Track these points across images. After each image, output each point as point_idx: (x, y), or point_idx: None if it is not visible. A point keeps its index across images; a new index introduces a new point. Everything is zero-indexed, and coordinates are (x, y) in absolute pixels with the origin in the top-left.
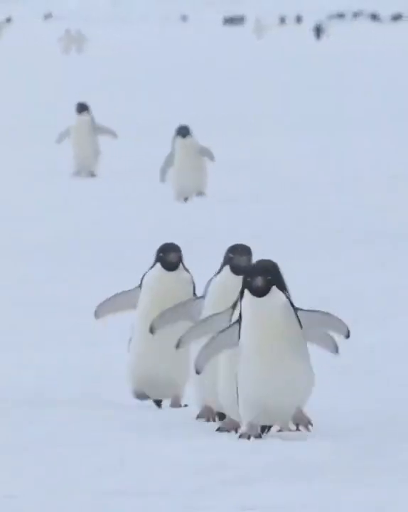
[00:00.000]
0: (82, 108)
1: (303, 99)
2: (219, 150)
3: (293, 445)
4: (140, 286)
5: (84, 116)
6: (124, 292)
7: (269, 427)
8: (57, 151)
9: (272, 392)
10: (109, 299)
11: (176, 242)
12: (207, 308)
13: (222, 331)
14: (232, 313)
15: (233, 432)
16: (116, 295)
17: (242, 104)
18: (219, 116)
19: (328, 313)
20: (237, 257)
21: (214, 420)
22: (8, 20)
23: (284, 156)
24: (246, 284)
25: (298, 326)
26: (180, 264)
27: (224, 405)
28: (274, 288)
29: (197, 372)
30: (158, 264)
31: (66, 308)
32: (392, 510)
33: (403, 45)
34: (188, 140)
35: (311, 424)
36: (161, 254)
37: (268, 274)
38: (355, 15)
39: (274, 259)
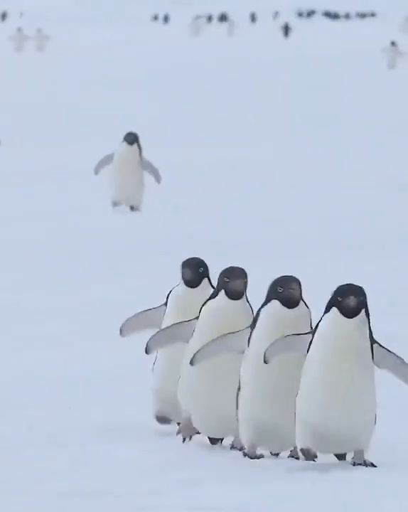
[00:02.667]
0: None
1: (268, 98)
2: (192, 152)
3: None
4: (165, 304)
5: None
6: (150, 310)
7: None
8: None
9: (335, 417)
10: (135, 316)
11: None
12: (202, 334)
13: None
14: (250, 333)
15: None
16: (143, 313)
17: (210, 104)
18: (193, 116)
19: (403, 361)
20: (232, 281)
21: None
22: None
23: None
24: (335, 303)
25: (371, 358)
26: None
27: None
28: (363, 312)
29: (266, 362)
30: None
31: (31, 314)
32: (346, 511)
33: (366, 43)
34: (133, 148)
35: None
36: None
37: (361, 296)
38: (311, 13)
39: (247, 266)
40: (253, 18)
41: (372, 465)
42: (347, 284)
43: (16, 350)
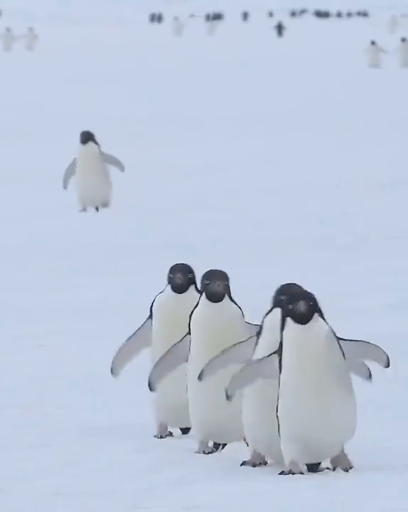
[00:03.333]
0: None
1: (252, 98)
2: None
3: (235, 446)
4: (150, 316)
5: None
6: (133, 336)
7: (318, 465)
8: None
9: (316, 426)
10: (120, 350)
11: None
12: (197, 344)
13: (261, 359)
14: (256, 342)
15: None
16: (127, 343)
17: (188, 103)
18: (172, 115)
19: (367, 343)
20: (211, 283)
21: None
22: None
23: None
24: (287, 312)
25: (342, 356)
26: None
27: (250, 439)
28: (316, 315)
29: (228, 398)
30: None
31: (20, 315)
32: (333, 509)
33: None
34: (88, 147)
35: (352, 467)
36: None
37: (310, 300)
38: (302, 12)
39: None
40: (245, 16)
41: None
42: (293, 288)
43: (6, 351)
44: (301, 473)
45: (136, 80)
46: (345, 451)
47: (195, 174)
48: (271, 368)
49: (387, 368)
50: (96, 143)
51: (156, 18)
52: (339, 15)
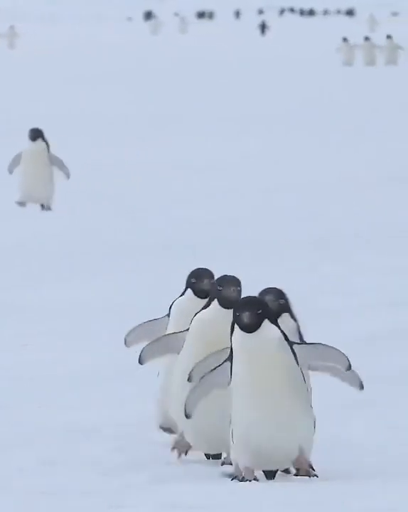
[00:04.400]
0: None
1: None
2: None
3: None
4: (168, 315)
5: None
6: (153, 321)
7: (275, 472)
8: None
9: (266, 434)
10: (139, 326)
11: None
12: (191, 345)
13: (213, 370)
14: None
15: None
16: (147, 323)
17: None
18: (156, 114)
19: (326, 346)
20: (225, 289)
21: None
22: None
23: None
24: (235, 319)
25: (294, 362)
26: None
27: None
28: (266, 322)
29: (187, 417)
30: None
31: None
32: (313, 510)
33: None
34: (36, 144)
35: (313, 470)
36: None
37: (258, 309)
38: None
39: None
40: (238, 15)
41: (315, 476)
42: (244, 298)
43: None
44: (256, 479)
45: (117, 79)
46: (309, 457)
47: (195, 174)
48: (224, 377)
49: (348, 371)
50: (45, 141)
51: (147, 15)
52: (325, 13)
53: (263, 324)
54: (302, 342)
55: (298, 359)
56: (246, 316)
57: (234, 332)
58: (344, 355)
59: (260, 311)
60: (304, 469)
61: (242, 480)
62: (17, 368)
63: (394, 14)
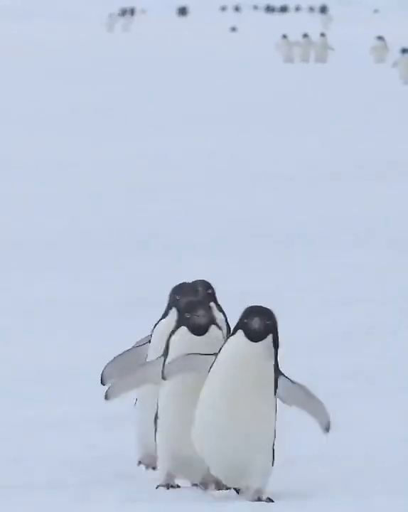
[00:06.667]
0: None
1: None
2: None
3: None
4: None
5: None
6: (131, 350)
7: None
8: None
9: (226, 448)
10: (113, 363)
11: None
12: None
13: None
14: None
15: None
16: (122, 356)
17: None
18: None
19: (310, 395)
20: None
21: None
22: None
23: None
24: (242, 325)
25: (273, 389)
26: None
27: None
28: (270, 337)
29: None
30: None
31: None
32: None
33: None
34: None
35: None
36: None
37: (268, 319)
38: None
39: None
40: (182, 11)
41: (270, 500)
42: (254, 306)
43: None
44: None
45: (73, 75)
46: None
47: (135, 167)
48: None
49: (327, 432)
50: None
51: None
52: (297, 9)
53: (267, 338)
54: (288, 378)
55: (280, 393)
56: (255, 323)
57: (233, 336)
58: (327, 413)
59: (269, 322)
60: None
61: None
62: None
63: (376, 11)
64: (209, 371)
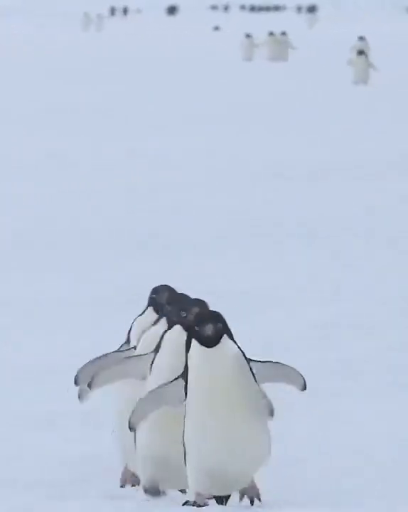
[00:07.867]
0: None
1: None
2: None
3: None
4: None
5: None
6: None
7: (227, 498)
8: None
9: (225, 456)
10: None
11: None
12: None
13: (166, 385)
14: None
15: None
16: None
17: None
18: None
19: (281, 364)
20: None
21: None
22: None
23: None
24: (193, 334)
25: (253, 379)
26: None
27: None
28: (225, 337)
29: (131, 429)
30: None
31: None
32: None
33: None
34: None
35: (259, 499)
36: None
37: (218, 322)
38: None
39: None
40: (172, 10)
41: (255, 500)
42: (200, 312)
43: None
44: (206, 505)
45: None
46: (255, 480)
47: (117, 166)
48: (176, 393)
49: (304, 391)
50: None
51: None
52: (278, 8)
53: (222, 339)
54: (258, 360)
55: (256, 377)
56: (207, 329)
57: (191, 348)
58: (299, 373)
59: (220, 324)
60: (253, 494)
61: (195, 505)
62: None
63: (366, 12)
64: (185, 392)
